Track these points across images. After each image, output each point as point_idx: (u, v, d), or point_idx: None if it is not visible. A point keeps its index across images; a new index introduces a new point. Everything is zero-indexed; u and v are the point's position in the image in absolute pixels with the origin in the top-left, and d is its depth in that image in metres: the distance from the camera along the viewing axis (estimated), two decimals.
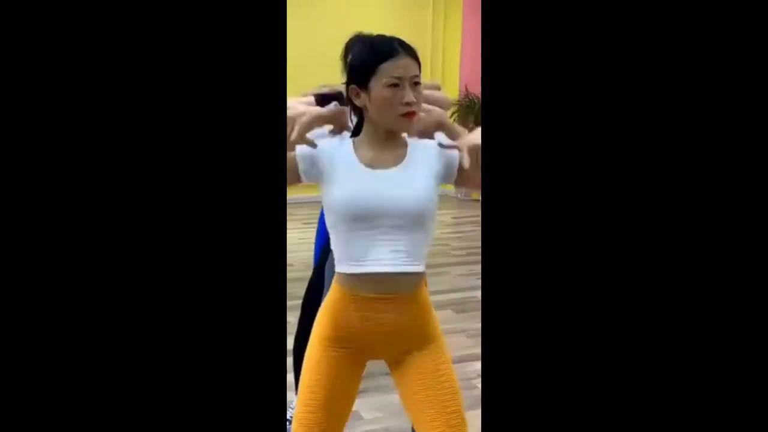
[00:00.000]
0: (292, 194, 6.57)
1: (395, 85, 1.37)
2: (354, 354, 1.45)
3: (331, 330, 1.44)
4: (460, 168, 1.46)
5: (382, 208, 1.37)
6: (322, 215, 2.32)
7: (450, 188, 7.56)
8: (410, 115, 1.39)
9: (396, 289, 1.41)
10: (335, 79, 2.61)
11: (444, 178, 1.47)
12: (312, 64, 4.86)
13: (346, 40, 2.23)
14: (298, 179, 1.45)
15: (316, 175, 1.44)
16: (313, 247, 2.31)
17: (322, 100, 2.19)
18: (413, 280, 1.43)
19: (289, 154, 1.43)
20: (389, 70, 1.37)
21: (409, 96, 1.38)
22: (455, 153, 1.46)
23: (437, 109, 1.78)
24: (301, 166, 1.43)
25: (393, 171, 1.41)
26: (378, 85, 1.38)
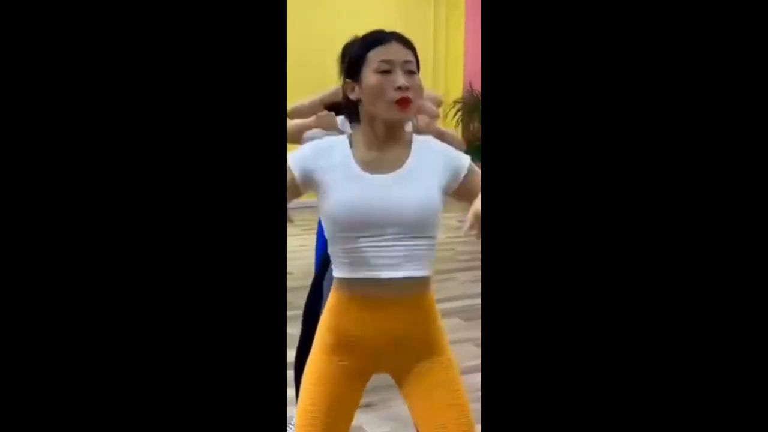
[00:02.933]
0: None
1: (386, 72, 1.33)
2: (357, 365, 1.42)
3: (331, 338, 1.41)
4: (463, 184, 1.41)
5: (382, 217, 1.33)
6: (321, 223, 2.32)
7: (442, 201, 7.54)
8: (404, 102, 1.34)
9: (398, 293, 1.36)
10: (336, 78, 2.61)
11: (447, 188, 1.42)
12: (313, 64, 4.86)
13: (347, 39, 2.23)
14: (298, 193, 1.41)
15: (314, 185, 1.40)
16: (313, 254, 2.30)
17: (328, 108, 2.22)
18: (416, 284, 1.38)
19: (288, 171, 1.38)
20: (378, 55, 1.35)
21: (401, 80, 1.33)
22: (460, 162, 1.41)
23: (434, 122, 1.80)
24: (298, 180, 1.38)
25: (393, 176, 1.36)
26: (368, 72, 1.35)
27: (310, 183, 1.37)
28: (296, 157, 1.38)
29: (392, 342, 1.36)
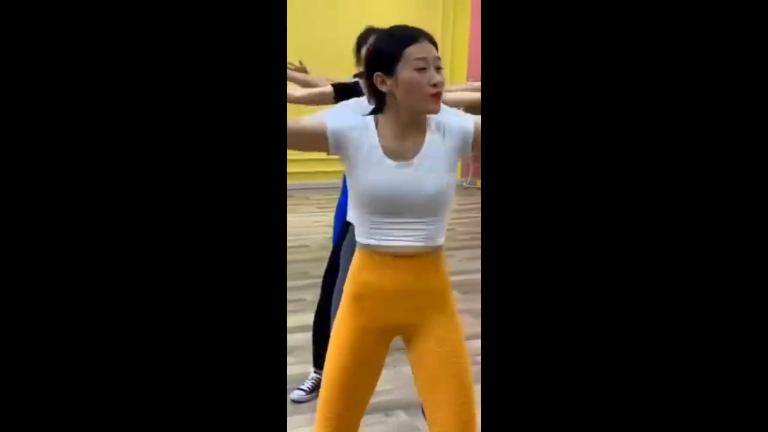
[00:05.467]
0: (309, 180, 6.57)
1: (422, 69, 1.38)
2: (375, 318, 1.45)
3: (353, 289, 1.47)
4: (476, 133, 1.47)
5: (401, 199, 1.40)
6: (340, 202, 2.34)
7: (456, 177, 7.54)
8: (437, 96, 1.40)
9: (414, 254, 1.44)
10: (343, 73, 2.63)
11: (462, 150, 1.47)
12: (325, 59, 4.85)
13: (355, 33, 2.23)
14: (326, 150, 1.45)
15: (342, 156, 1.45)
16: (326, 230, 2.32)
17: (340, 91, 2.22)
18: (430, 251, 1.46)
19: (321, 125, 1.43)
20: (415, 53, 1.38)
21: (436, 77, 1.39)
22: (468, 123, 1.47)
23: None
24: (330, 142, 1.43)
25: (412, 162, 1.42)
26: (405, 69, 1.38)
27: (340, 146, 1.45)
28: (334, 118, 1.46)
29: (406, 295, 1.45)
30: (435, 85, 1.38)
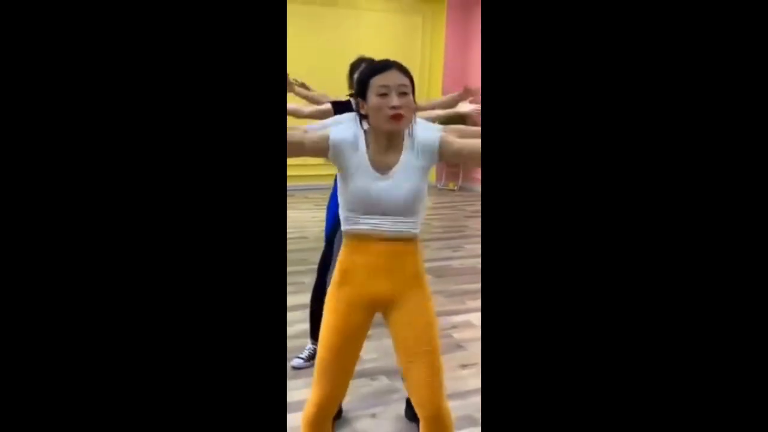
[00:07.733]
0: (307, 182, 6.64)
1: (384, 95, 1.50)
2: (358, 293, 1.57)
3: (341, 264, 1.62)
4: (444, 152, 1.56)
5: (380, 204, 1.56)
6: (331, 200, 2.44)
7: (432, 180, 7.65)
8: (397, 117, 1.50)
9: (392, 238, 1.57)
10: (338, 84, 2.75)
11: (431, 161, 1.58)
12: (323, 76, 4.95)
13: (346, 56, 2.35)
14: (324, 153, 1.55)
15: (338, 163, 1.57)
16: (322, 224, 2.42)
17: (337, 107, 2.35)
18: (407, 237, 1.59)
19: (323, 135, 1.56)
20: (378, 81, 1.51)
21: (395, 101, 1.50)
22: (435, 138, 1.56)
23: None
24: (330, 150, 1.55)
25: (391, 174, 1.56)
26: (372, 95, 1.52)
27: (336, 156, 1.57)
28: (335, 134, 1.57)
29: (382, 270, 1.58)
30: (393, 107, 1.49)
